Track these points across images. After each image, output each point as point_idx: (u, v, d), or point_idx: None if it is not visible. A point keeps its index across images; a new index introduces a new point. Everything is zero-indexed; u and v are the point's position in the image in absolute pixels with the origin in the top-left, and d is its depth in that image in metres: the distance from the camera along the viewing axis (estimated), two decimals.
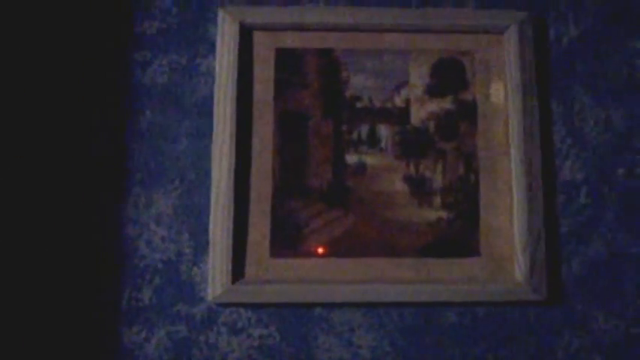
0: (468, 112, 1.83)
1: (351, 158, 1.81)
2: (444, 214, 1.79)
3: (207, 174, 1.78)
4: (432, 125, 1.83)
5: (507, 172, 1.80)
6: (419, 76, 1.85)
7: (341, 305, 1.76)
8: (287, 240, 1.78)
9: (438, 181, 1.81)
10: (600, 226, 1.81)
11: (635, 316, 1.78)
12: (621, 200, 1.82)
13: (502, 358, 1.76)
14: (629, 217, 1.81)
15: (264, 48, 1.85)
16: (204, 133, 1.80)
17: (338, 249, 1.78)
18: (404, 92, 1.84)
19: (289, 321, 1.76)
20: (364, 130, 1.82)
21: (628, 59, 1.88)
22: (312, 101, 1.83)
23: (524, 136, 1.78)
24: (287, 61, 1.85)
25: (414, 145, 1.82)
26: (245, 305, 1.76)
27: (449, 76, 1.85)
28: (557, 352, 1.76)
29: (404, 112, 1.83)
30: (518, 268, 1.75)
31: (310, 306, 1.76)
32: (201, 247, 1.77)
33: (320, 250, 1.77)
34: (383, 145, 1.82)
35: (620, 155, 1.83)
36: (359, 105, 1.83)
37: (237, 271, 1.74)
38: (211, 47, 1.84)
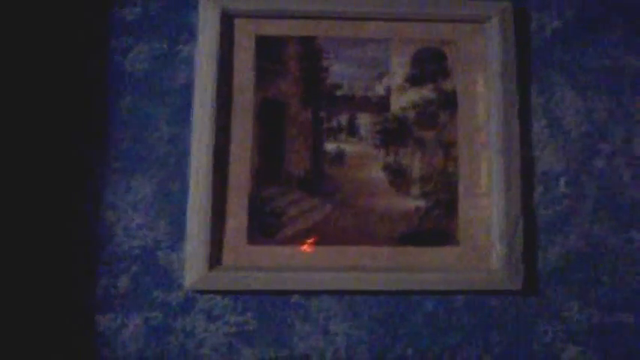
0: (448, 102, 1.83)
1: (330, 146, 1.80)
2: (422, 202, 1.79)
3: (186, 161, 1.78)
4: (411, 114, 1.82)
5: (486, 162, 1.80)
6: (400, 65, 1.84)
7: (318, 293, 1.76)
8: (265, 227, 1.77)
9: (416, 169, 1.80)
10: (578, 216, 1.81)
11: (610, 306, 1.78)
12: (599, 191, 1.82)
13: (478, 346, 1.75)
14: (607, 208, 1.81)
15: (245, 35, 1.84)
16: (183, 120, 1.80)
17: (315, 237, 1.77)
18: (384, 81, 1.83)
19: (266, 308, 1.75)
20: (344, 118, 1.82)
21: (609, 50, 1.87)
22: (293, 89, 1.83)
23: (503, 126, 1.78)
24: (268, 48, 1.84)
25: (393, 133, 1.81)
26: (222, 292, 1.75)
27: (430, 65, 1.85)
28: (532, 341, 1.76)
29: (384, 101, 1.83)
30: (496, 258, 1.75)
31: (287, 293, 1.76)
32: (178, 233, 1.76)
33: (297, 238, 1.77)
34: (362, 133, 1.81)
35: (599, 146, 1.83)
36: (339, 93, 1.82)
37: (215, 258, 1.74)
38: (192, 34, 1.84)
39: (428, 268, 1.76)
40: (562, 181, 1.81)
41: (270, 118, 1.81)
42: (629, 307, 1.78)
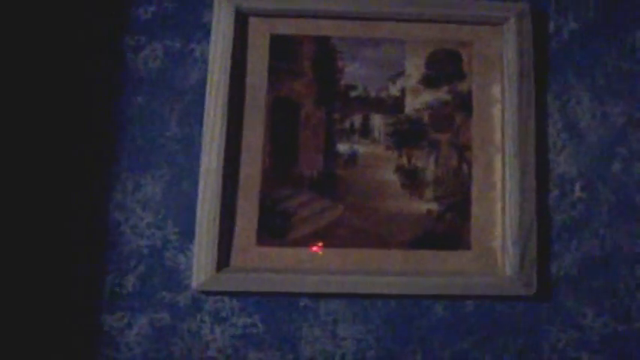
0: (463, 104, 1.81)
1: (343, 147, 1.78)
2: (434, 206, 1.76)
3: (197, 160, 1.76)
4: (426, 116, 1.80)
5: (501, 165, 1.77)
6: (415, 66, 1.82)
7: (327, 296, 1.73)
8: (274, 228, 1.75)
9: (430, 172, 1.78)
10: (593, 222, 1.78)
11: (624, 313, 1.75)
12: (615, 196, 1.79)
13: (489, 352, 1.72)
14: (623, 213, 1.78)
15: (259, 34, 1.83)
16: (195, 119, 1.78)
17: (326, 239, 1.75)
18: (399, 82, 1.81)
19: (274, 311, 1.73)
20: (357, 119, 1.80)
21: (627, 54, 1.85)
22: (306, 89, 1.81)
23: (519, 129, 1.76)
24: (282, 48, 1.83)
25: (407, 135, 1.79)
26: (229, 294, 1.73)
27: (445, 66, 1.83)
28: (544, 348, 1.73)
29: (398, 102, 1.81)
30: (509, 263, 1.72)
31: (295, 296, 1.73)
32: (187, 234, 1.74)
33: (307, 240, 1.75)
34: (376, 134, 1.79)
35: (615, 151, 1.81)
36: (353, 94, 1.81)
37: (223, 259, 1.71)
38: (206, 32, 1.82)
39: (439, 273, 1.73)
40: (577, 185, 1.78)
41: (282, 118, 1.80)
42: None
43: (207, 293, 1.72)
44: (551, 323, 1.73)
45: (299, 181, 1.77)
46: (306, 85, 1.81)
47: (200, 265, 1.70)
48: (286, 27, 1.83)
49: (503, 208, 1.75)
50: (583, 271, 1.75)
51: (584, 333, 1.73)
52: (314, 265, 1.73)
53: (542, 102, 1.81)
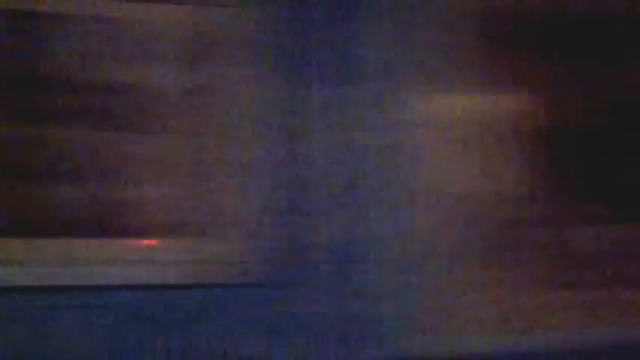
0: (196, 90, 1.78)
1: (60, 134, 1.70)
2: (166, 191, 1.74)
3: None
4: (156, 100, 1.75)
5: (231, 153, 1.76)
6: (157, 47, 1.77)
7: (70, 288, 1.66)
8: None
9: (158, 157, 1.75)
10: (322, 208, 1.82)
11: (358, 295, 1.82)
12: (345, 184, 1.83)
13: (196, 338, 1.74)
14: (349, 199, 1.83)
15: None
16: None
17: (55, 229, 1.69)
18: (138, 63, 1.76)
19: (15, 305, 1.64)
20: (76, 102, 1.72)
21: (357, 46, 1.88)
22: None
23: (249, 117, 1.77)
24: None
25: (135, 118, 1.75)
26: None
27: (183, 50, 1.78)
28: (285, 332, 1.76)
29: (125, 85, 1.74)
30: (235, 250, 1.74)
31: (32, 290, 1.65)
32: None
33: (41, 231, 1.68)
34: (95, 118, 1.72)
35: (342, 136, 1.85)
36: (62, 76, 1.71)
37: None
38: None
39: (161, 261, 1.73)
40: (308, 172, 1.81)
41: None
42: (374, 297, 1.83)
43: None
44: (287, 307, 1.77)
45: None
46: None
47: None
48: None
49: (232, 195, 1.76)
50: (316, 256, 1.80)
51: (319, 315, 1.78)
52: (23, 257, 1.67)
53: (277, 90, 1.82)
